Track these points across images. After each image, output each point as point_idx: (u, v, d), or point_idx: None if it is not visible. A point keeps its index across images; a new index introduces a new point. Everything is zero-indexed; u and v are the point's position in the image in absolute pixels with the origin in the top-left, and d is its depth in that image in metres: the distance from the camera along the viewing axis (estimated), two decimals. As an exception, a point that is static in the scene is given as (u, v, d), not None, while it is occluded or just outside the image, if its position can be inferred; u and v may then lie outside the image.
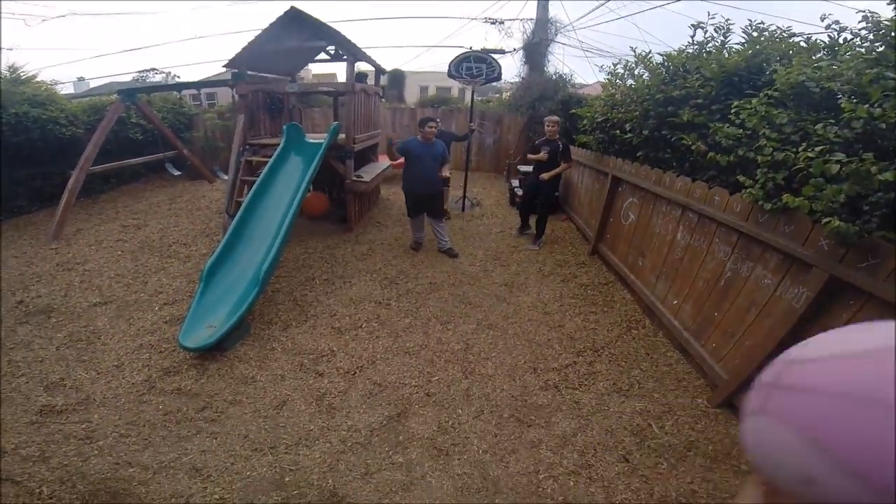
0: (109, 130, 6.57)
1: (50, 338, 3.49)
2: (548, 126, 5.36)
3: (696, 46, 4.02)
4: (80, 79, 18.28)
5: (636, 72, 4.68)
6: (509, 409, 2.81)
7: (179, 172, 8.06)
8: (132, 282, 4.40)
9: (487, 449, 2.52)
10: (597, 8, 12.42)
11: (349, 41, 5.57)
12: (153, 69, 16.00)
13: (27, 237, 5.58)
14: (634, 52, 4.58)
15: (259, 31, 5.26)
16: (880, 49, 2.37)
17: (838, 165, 1.96)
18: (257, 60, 5.98)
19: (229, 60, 5.56)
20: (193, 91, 11.08)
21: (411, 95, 20.28)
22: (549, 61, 11.34)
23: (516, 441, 2.58)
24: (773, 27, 3.49)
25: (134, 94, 7.12)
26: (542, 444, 2.55)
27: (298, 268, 4.75)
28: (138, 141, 8.14)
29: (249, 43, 5.37)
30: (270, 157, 5.08)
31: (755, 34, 3.55)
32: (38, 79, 7.04)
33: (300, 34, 5.35)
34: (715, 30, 3.86)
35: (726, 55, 3.68)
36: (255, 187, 4.57)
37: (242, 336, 3.48)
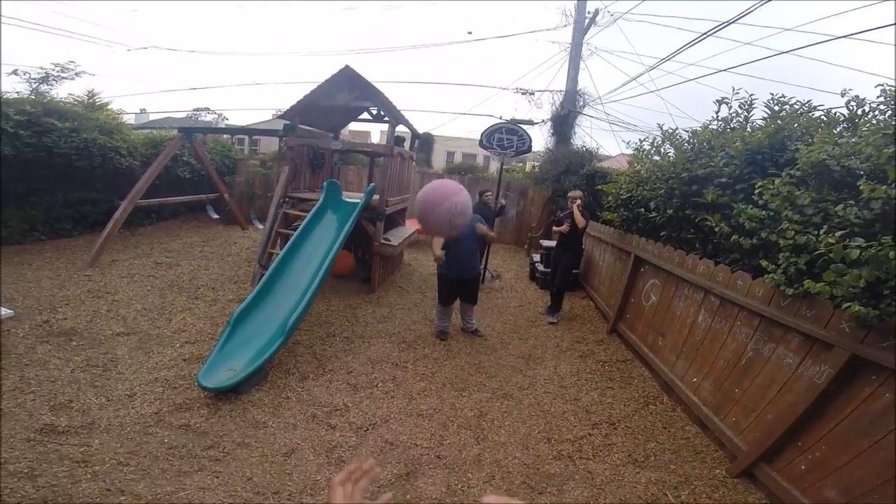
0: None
1: (67, 360, 3.52)
2: (571, 202, 5.42)
3: (720, 122, 4.11)
4: (142, 111, 19.53)
5: (662, 149, 4.79)
6: (521, 476, 2.72)
7: (218, 216, 8.31)
8: (157, 317, 4.49)
9: (497, 514, 2.40)
10: (627, 83, 12.62)
11: (392, 105, 5.91)
12: (206, 108, 17.01)
13: (64, 261, 5.79)
14: (661, 128, 4.70)
15: (307, 85, 5.64)
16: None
17: (858, 251, 2.00)
18: (306, 114, 6.35)
19: (283, 112, 5.93)
20: (241, 136, 11.72)
21: (438, 160, 21.12)
22: (575, 133, 11.52)
23: (526, 509, 2.47)
24: (793, 100, 3.58)
25: (192, 132, 7.37)
26: (553, 513, 2.44)
27: (320, 323, 4.80)
28: (184, 179, 8.41)
29: (304, 97, 5.70)
30: (307, 211, 5.25)
31: (776, 108, 3.65)
32: (109, 107, 7.47)
33: (350, 93, 5.70)
34: (739, 105, 3.94)
35: (749, 131, 3.75)
36: (291, 241, 4.71)
37: (259, 382, 3.48)
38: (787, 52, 6.56)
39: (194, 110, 17.31)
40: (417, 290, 6.43)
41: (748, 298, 2.99)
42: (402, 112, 6.33)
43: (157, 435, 2.78)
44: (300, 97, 5.81)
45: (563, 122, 11.30)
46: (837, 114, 3.25)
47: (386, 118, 6.16)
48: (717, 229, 3.48)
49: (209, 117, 17.01)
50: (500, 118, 7.11)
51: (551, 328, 5.40)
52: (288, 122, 6.08)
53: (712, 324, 3.42)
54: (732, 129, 4.01)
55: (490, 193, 6.84)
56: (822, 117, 3.34)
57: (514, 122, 6.89)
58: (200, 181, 8.48)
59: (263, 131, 9.33)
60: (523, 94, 12.12)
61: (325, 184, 5.63)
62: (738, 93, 3.97)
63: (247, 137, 12.62)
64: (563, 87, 11.45)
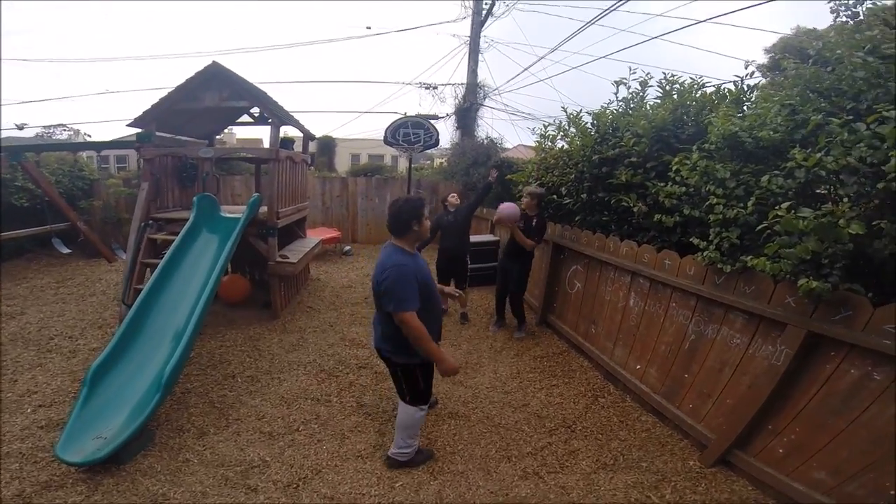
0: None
1: None
2: (524, 198, 4.54)
3: (620, 103, 4.14)
4: (-41, 132, 15.99)
5: (569, 132, 4.72)
6: (492, 510, 2.41)
7: (69, 250, 6.93)
8: (-3, 379, 3.54)
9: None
10: (520, 73, 13.11)
11: (275, 102, 5.22)
12: (60, 125, 14.39)
13: None
14: (566, 111, 4.61)
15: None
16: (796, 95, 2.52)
17: (803, 220, 1.93)
18: (170, 120, 5.40)
19: (135, 119, 4.89)
20: (95, 152, 9.97)
21: (342, 164, 20.16)
22: (479, 125, 11.66)
23: (509, 547, 2.17)
24: (684, 78, 3.68)
25: (20, 152, 6.22)
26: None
27: (214, 364, 4.06)
28: (23, 209, 7.02)
29: (161, 99, 4.80)
30: (178, 233, 4.40)
31: (668, 87, 3.73)
32: None
33: (220, 92, 4.88)
34: (640, 84, 3.97)
35: (648, 108, 3.81)
36: (157, 271, 3.92)
37: (144, 446, 2.82)
38: (656, 37, 7.07)
39: (45, 128, 14.48)
40: (330, 308, 5.78)
41: (680, 278, 2.96)
42: (291, 113, 5.66)
43: (29, 522, 2.13)
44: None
45: (466, 115, 11.29)
46: (726, 89, 3.38)
47: (269, 119, 5.36)
48: (635, 209, 3.46)
49: (65, 135, 14.33)
50: (405, 114, 6.69)
51: (482, 329, 5.13)
52: (142, 131, 5.01)
53: (646, 307, 3.39)
54: (633, 108, 4.06)
55: (454, 196, 5.38)
56: (713, 95, 3.46)
57: (421, 116, 6.57)
58: (45, 209, 7.01)
59: (116, 143, 7.89)
60: (427, 88, 12.00)
61: (195, 199, 4.77)
62: (634, 72, 4.03)
63: (97, 153, 10.72)
64: (465, 80, 11.48)
